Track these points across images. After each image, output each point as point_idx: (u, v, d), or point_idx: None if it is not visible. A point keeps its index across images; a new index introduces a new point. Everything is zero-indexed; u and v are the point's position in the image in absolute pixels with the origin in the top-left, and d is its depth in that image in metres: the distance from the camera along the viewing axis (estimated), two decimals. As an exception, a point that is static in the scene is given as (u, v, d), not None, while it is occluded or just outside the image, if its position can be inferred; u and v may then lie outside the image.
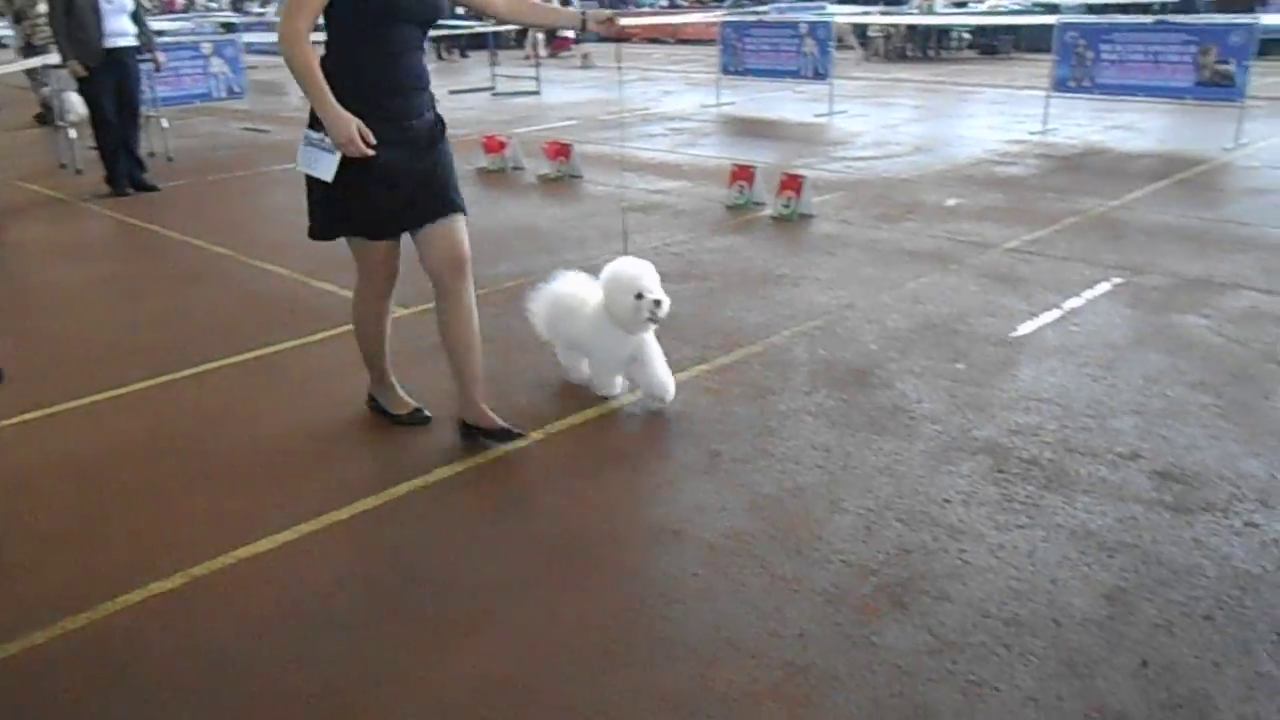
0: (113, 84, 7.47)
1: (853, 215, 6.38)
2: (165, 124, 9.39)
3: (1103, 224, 6.01)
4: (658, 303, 3.41)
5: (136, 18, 7.55)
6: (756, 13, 13.38)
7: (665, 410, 3.59)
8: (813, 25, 11.11)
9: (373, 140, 2.98)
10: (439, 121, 3.24)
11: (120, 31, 7.39)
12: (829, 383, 3.80)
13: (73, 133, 8.84)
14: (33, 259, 6.36)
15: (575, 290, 3.71)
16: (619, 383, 3.69)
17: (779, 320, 4.48)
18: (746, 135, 10.12)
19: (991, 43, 18.20)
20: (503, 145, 8.23)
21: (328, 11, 2.96)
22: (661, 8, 23.09)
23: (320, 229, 3.30)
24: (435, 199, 3.20)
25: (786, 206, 6.30)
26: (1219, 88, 8.40)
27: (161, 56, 8.24)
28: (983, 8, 16.93)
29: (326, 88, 2.94)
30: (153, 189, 7.87)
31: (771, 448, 3.28)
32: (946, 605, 2.46)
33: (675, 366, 3.94)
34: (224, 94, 10.72)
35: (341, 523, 2.93)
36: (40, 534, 2.97)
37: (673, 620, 2.43)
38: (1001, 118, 10.61)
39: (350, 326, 4.60)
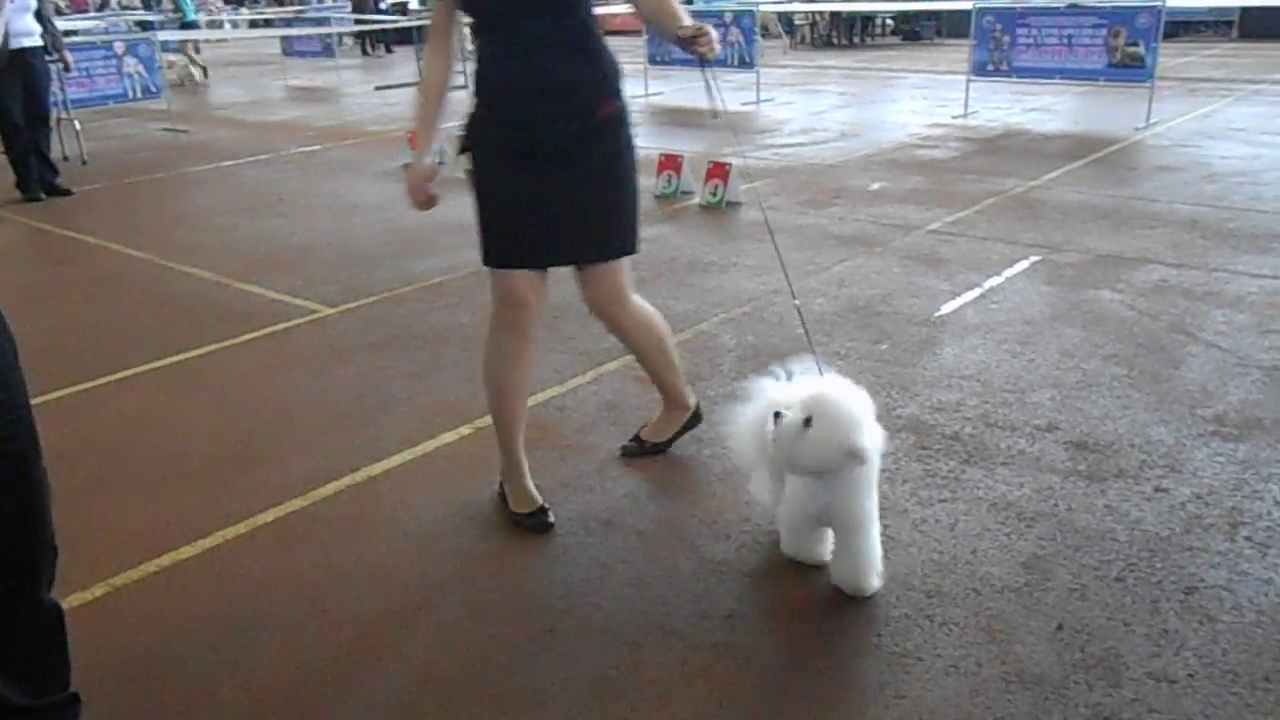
0: (19, 86, 7.24)
1: (780, 201, 6.45)
2: (78, 126, 9.13)
3: (1021, 204, 6.16)
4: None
5: (40, 16, 7.32)
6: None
7: (595, 399, 3.60)
8: (738, 14, 11.17)
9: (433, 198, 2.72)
10: (595, 134, 2.63)
11: (24, 31, 7.16)
12: (757, 367, 3.83)
13: (-20, 137, 8.55)
14: (-59, 269, 6.15)
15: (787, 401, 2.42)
16: (809, 550, 2.57)
17: (707, 307, 4.52)
18: (674, 125, 10.16)
19: (914, 29, 18.51)
20: (429, 140, 8.15)
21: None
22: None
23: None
24: (585, 237, 2.70)
25: (714, 194, 6.34)
26: (1129, 69, 8.65)
27: (70, 57, 8.01)
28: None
29: (423, 122, 2.69)
30: (66, 193, 7.66)
31: (700, 433, 3.31)
32: (871, 580, 2.51)
33: (605, 356, 3.97)
34: (139, 94, 10.45)
35: (267, 525, 2.89)
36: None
37: (603, 607, 2.44)
38: (924, 102, 10.81)
39: (270, 329, 4.56)
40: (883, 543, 2.66)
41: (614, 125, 2.68)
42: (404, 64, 16.68)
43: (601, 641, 2.32)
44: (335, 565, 2.69)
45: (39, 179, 7.62)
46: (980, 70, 9.51)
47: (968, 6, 9.76)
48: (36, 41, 7.31)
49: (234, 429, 3.55)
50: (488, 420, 3.47)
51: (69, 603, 2.56)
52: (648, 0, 2.66)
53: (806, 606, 2.41)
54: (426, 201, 2.74)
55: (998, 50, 9.34)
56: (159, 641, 2.41)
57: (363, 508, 2.98)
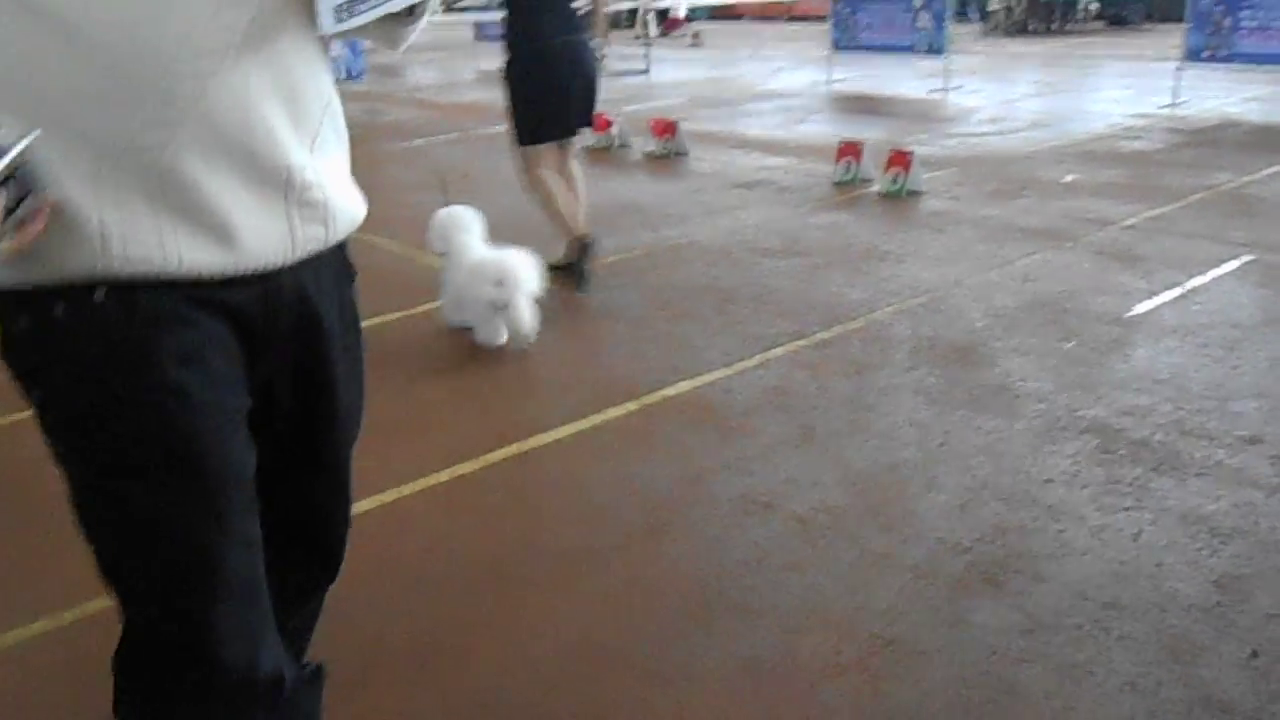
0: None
1: (963, 192, 6.20)
2: (287, 105, 9.73)
3: (1234, 200, 5.70)
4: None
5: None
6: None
7: (761, 384, 3.57)
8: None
9: None
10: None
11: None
12: (930, 360, 3.72)
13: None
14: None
15: None
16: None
17: (882, 296, 4.40)
18: (858, 112, 9.93)
19: (1120, 13, 17.41)
20: (609, 123, 8.27)
21: None
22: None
23: None
24: None
25: (894, 183, 6.16)
26: (1370, 55, 7.85)
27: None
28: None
29: None
30: None
31: (868, 423, 3.24)
32: (1042, 586, 2.39)
33: (772, 341, 3.92)
34: (344, 76, 11.07)
35: (440, 485, 3.01)
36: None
37: (758, 590, 2.42)
38: (1128, 91, 10.16)
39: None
40: (1056, 547, 2.53)
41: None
42: (589, 49, 16.95)
43: (755, 624, 2.30)
44: (500, 529, 2.77)
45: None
46: (1194, 56, 8.84)
47: (1184, -12, 9.10)
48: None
49: (412, 392, 3.71)
50: (653, 397, 3.52)
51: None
52: None
53: (970, 607, 2.32)
54: None
55: (1216, 34, 8.66)
56: (335, 587, 2.54)
57: (528, 476, 3.06)
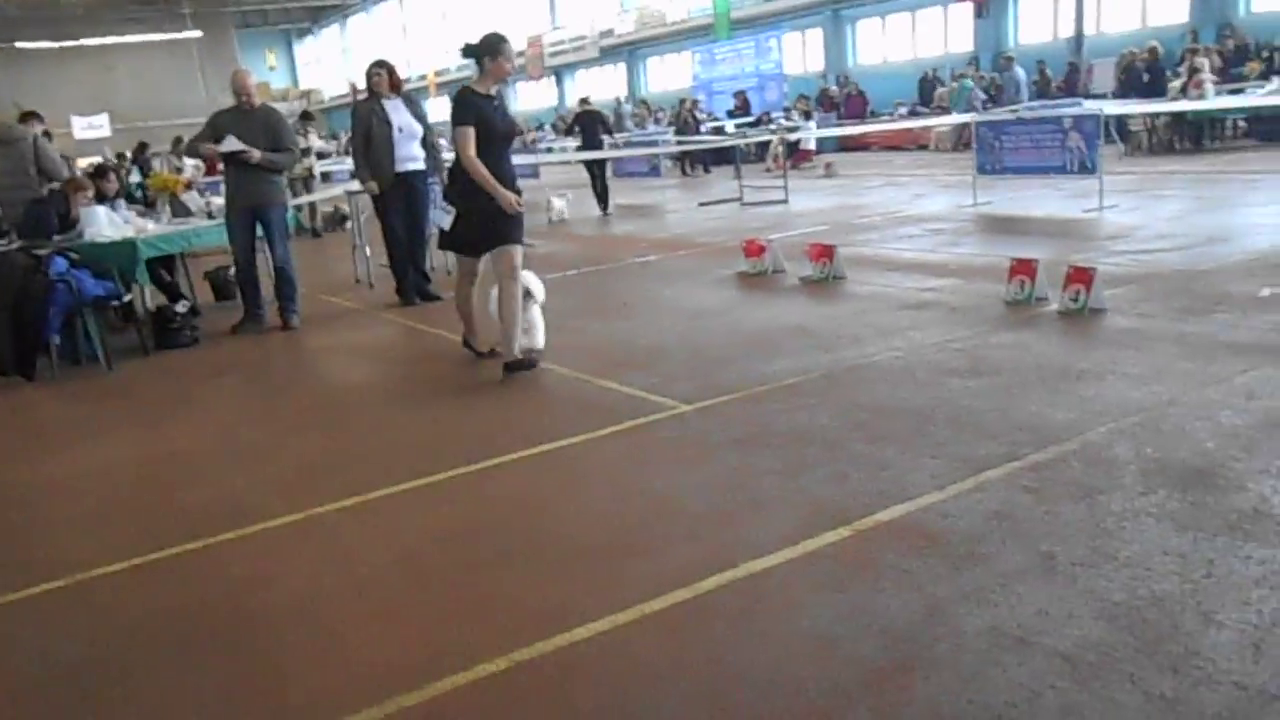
0: (402, 204, 8.14)
1: (1150, 308, 5.89)
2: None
3: None
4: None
5: (426, 143, 8.23)
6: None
7: (980, 508, 3.33)
8: (1078, 119, 10.64)
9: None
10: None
11: (410, 157, 8.09)
12: (1166, 483, 3.42)
13: (368, 250, 9.72)
14: (335, 361, 6.94)
15: None
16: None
17: (1090, 416, 4.12)
18: (1011, 233, 9.70)
19: (1275, 129, 16.79)
20: (762, 249, 8.29)
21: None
22: (901, 115, 23.04)
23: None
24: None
25: (1075, 300, 5.91)
26: None
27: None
28: (1265, 89, 15.51)
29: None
30: (436, 299, 8.44)
31: (1113, 551, 2.96)
32: (1379, 742, 2.06)
33: (982, 464, 3.69)
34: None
35: (655, 614, 2.86)
36: (369, 611, 3.09)
37: (1038, 738, 2.17)
38: (1303, 205, 9.67)
39: (631, 423, 4.64)
40: None
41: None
42: (722, 182, 17.30)
43: (1042, 777, 2.05)
44: (728, 662, 2.59)
45: (415, 286, 8.47)
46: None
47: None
48: (420, 166, 8.23)
49: (609, 516, 3.61)
50: (868, 522, 3.32)
51: (477, 672, 2.64)
52: None
53: (1297, 765, 2.02)
54: None
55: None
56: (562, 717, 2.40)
57: (748, 604, 2.88)
